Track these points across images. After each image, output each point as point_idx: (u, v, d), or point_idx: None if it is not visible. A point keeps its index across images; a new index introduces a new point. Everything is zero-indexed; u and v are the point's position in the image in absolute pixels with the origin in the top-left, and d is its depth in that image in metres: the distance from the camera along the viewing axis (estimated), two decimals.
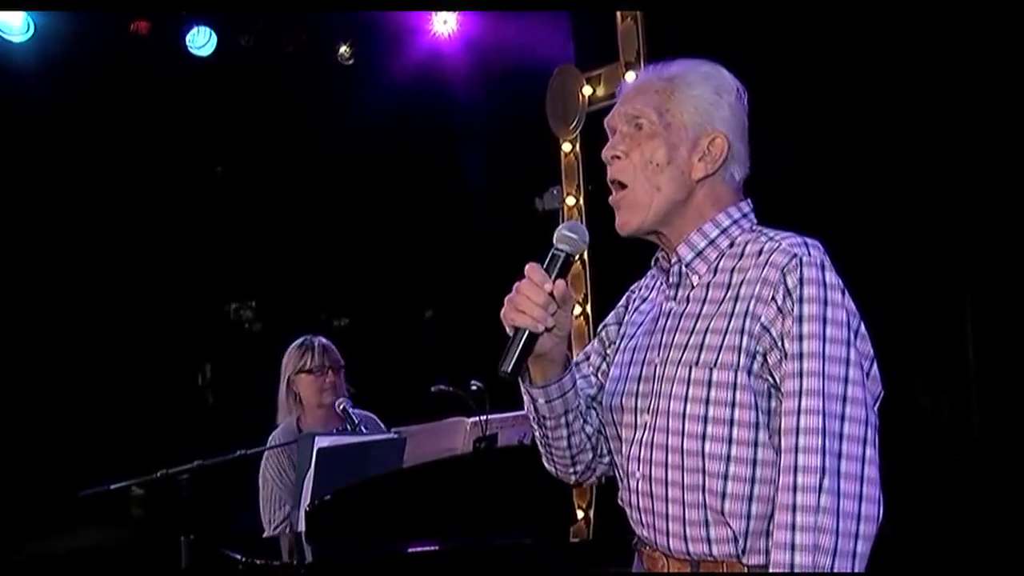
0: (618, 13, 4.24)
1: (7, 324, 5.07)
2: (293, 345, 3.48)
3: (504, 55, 4.90)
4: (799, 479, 1.40)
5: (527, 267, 1.52)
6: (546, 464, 1.75)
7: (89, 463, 4.90)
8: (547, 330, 1.51)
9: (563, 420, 1.63)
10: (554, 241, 1.54)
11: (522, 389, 1.63)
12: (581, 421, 1.67)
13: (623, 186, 1.58)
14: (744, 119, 1.61)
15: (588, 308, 4.43)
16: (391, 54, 5.03)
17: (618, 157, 1.58)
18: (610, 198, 1.61)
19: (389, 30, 5.02)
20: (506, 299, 1.52)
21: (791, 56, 3.99)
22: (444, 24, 4.96)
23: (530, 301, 1.49)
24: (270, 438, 3.35)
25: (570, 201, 4.66)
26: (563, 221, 4.72)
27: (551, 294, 1.50)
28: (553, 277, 1.51)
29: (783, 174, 4.02)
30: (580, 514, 3.80)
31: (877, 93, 3.82)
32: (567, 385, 1.61)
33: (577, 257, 1.56)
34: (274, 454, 3.27)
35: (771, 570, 1.42)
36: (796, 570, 1.39)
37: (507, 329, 1.52)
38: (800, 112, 4.01)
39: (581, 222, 4.62)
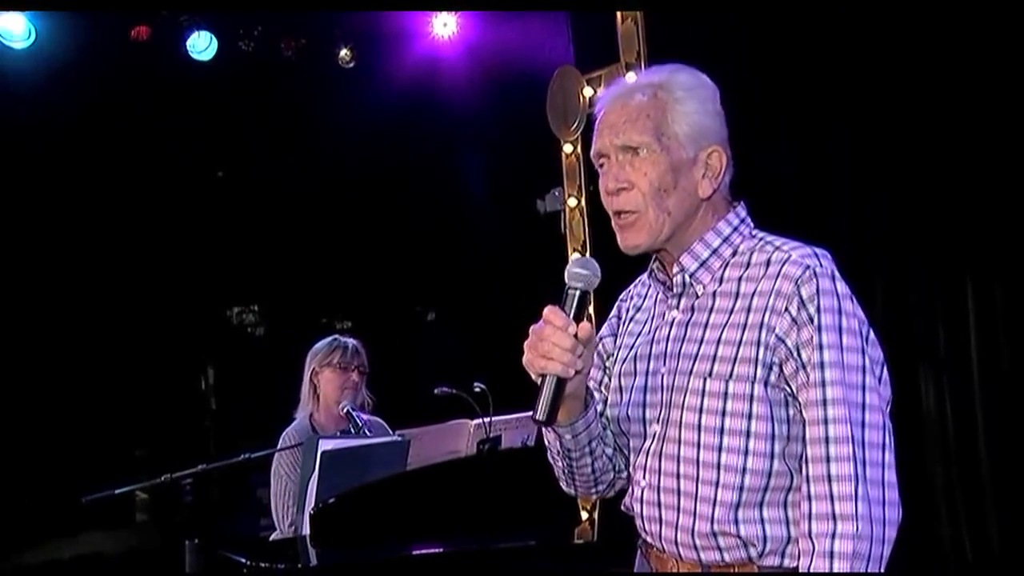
0: (618, 14, 4.24)
1: (11, 329, 5.08)
2: (324, 340, 3.48)
3: (504, 57, 4.90)
4: (835, 488, 1.41)
5: (547, 312, 1.46)
6: (565, 488, 1.72)
7: (93, 468, 4.90)
8: (577, 373, 1.47)
9: (587, 449, 1.62)
10: (566, 279, 1.49)
11: (545, 429, 1.60)
12: (603, 445, 1.65)
13: (631, 212, 1.54)
14: (725, 121, 1.60)
15: (591, 309, 4.42)
16: (391, 57, 5.03)
17: (624, 188, 1.54)
18: (614, 221, 1.57)
19: (389, 33, 5.02)
20: (527, 345, 1.47)
21: (790, 56, 4.00)
22: (444, 27, 4.96)
23: (558, 348, 1.44)
24: (283, 435, 3.36)
25: (571, 203, 4.66)
26: (564, 223, 4.74)
27: (575, 336, 1.45)
28: (573, 316, 1.46)
29: (783, 173, 4.03)
30: (584, 515, 3.79)
31: (876, 91, 3.82)
32: (591, 417, 1.59)
33: (591, 293, 1.49)
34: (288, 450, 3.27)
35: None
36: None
37: (533, 377, 1.47)
38: (799, 111, 4.01)
39: (583, 223, 4.65)
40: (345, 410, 3.27)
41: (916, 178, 3.76)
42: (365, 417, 3.40)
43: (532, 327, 1.47)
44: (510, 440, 3.06)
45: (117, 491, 2.82)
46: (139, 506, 5.39)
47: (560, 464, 1.66)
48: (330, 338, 3.48)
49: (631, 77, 1.63)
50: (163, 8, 4.55)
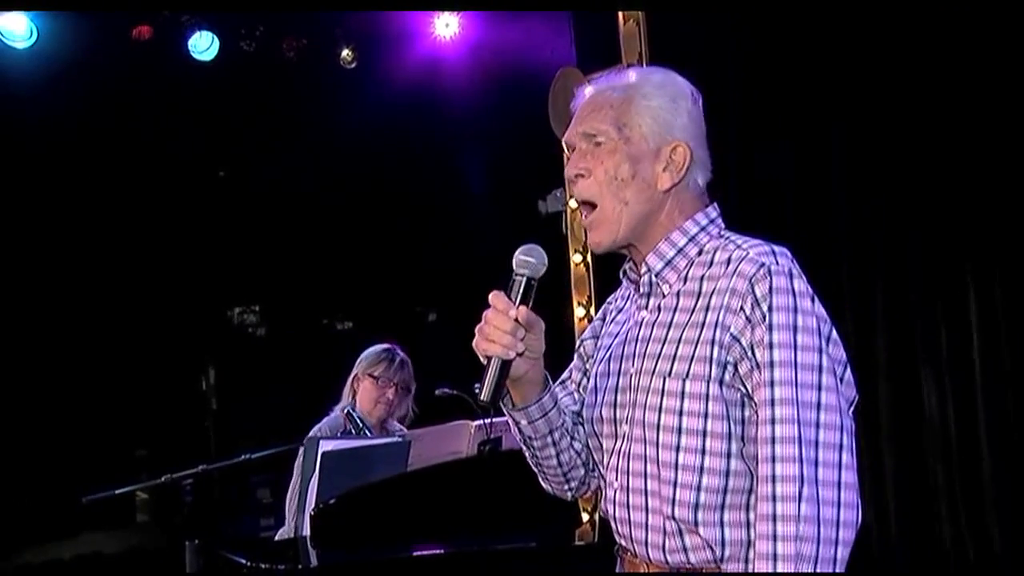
0: (620, 15, 4.23)
1: (12, 329, 5.08)
2: (378, 347, 3.46)
3: (506, 58, 4.90)
4: (778, 488, 1.40)
5: (491, 296, 1.52)
6: (542, 483, 1.75)
7: (93, 468, 4.90)
8: (519, 355, 1.52)
9: (549, 439, 1.64)
10: (513, 266, 1.54)
11: (505, 413, 1.64)
12: (568, 439, 1.67)
13: (592, 206, 1.57)
14: (702, 124, 1.60)
15: (592, 310, 4.42)
16: (393, 57, 5.03)
17: (582, 175, 1.57)
18: (583, 219, 1.60)
19: (391, 33, 5.02)
20: (476, 329, 1.52)
21: (791, 56, 3.99)
22: (446, 27, 4.96)
23: (498, 330, 1.50)
24: (316, 428, 3.35)
25: (573, 203, 4.65)
26: (566, 223, 4.73)
27: (517, 320, 1.50)
28: (517, 303, 1.51)
29: (783, 174, 4.02)
30: (585, 517, 3.79)
31: (876, 91, 3.82)
32: (548, 405, 1.61)
33: (537, 280, 1.55)
34: None
35: None
36: None
37: (480, 358, 1.53)
38: (800, 111, 4.00)
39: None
40: (346, 410, 3.27)
41: (916, 179, 3.75)
42: (396, 427, 3.42)
43: (484, 312, 1.53)
44: (511, 441, 3.03)
45: (117, 491, 2.81)
46: (139, 506, 5.39)
47: (527, 454, 1.69)
48: (383, 347, 3.45)
49: (632, 75, 1.63)
50: (165, 8, 4.54)
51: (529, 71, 4.72)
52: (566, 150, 1.64)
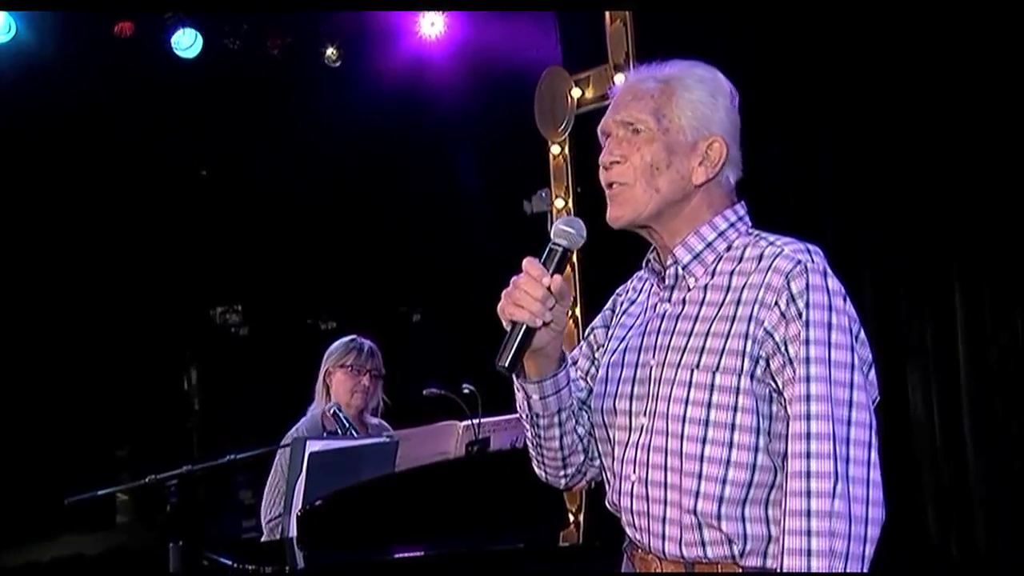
0: (607, 14, 4.23)
1: None
2: (343, 339, 3.48)
3: (492, 57, 4.89)
4: (812, 484, 1.41)
5: (525, 261, 1.51)
6: (536, 469, 1.73)
7: (75, 469, 4.86)
8: (544, 324, 1.50)
9: (556, 419, 1.62)
10: (552, 235, 1.54)
11: (516, 385, 1.62)
12: (574, 421, 1.65)
13: (621, 186, 1.57)
14: (738, 123, 1.61)
15: (577, 310, 4.42)
16: (378, 56, 5.02)
17: (617, 162, 1.57)
18: (607, 194, 1.60)
19: (376, 32, 5.00)
20: (503, 293, 1.51)
21: (779, 55, 4.00)
22: (432, 26, 4.95)
23: (528, 296, 1.49)
24: (293, 429, 3.34)
25: (559, 203, 4.65)
26: (551, 224, 4.73)
27: (549, 288, 1.49)
28: (551, 271, 1.50)
29: (771, 172, 4.03)
30: (570, 518, 3.78)
31: (863, 90, 3.83)
32: (562, 381, 1.60)
33: (574, 252, 1.55)
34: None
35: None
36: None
37: (504, 324, 1.51)
38: (787, 110, 4.01)
39: None
40: (332, 411, 3.25)
41: (904, 177, 3.76)
42: (374, 421, 3.42)
43: (513, 278, 1.52)
44: (499, 442, 3.05)
45: (100, 492, 2.79)
46: (120, 508, 5.34)
47: (530, 433, 1.67)
48: (348, 338, 3.47)
49: (674, 67, 1.63)
50: (148, 8, 4.51)
51: (515, 70, 4.71)
52: (601, 138, 1.63)
